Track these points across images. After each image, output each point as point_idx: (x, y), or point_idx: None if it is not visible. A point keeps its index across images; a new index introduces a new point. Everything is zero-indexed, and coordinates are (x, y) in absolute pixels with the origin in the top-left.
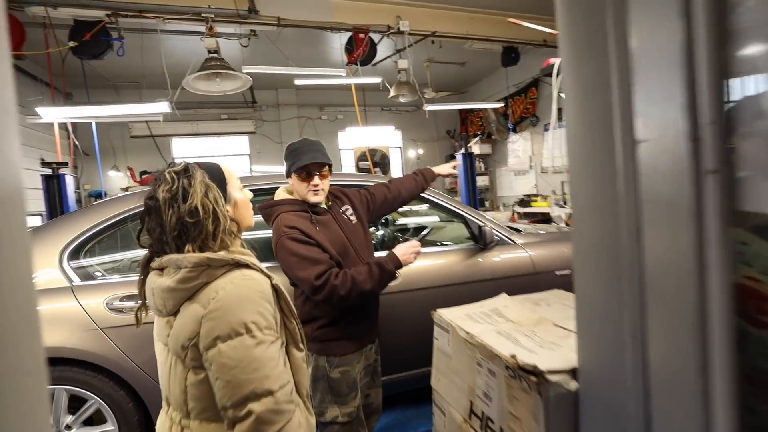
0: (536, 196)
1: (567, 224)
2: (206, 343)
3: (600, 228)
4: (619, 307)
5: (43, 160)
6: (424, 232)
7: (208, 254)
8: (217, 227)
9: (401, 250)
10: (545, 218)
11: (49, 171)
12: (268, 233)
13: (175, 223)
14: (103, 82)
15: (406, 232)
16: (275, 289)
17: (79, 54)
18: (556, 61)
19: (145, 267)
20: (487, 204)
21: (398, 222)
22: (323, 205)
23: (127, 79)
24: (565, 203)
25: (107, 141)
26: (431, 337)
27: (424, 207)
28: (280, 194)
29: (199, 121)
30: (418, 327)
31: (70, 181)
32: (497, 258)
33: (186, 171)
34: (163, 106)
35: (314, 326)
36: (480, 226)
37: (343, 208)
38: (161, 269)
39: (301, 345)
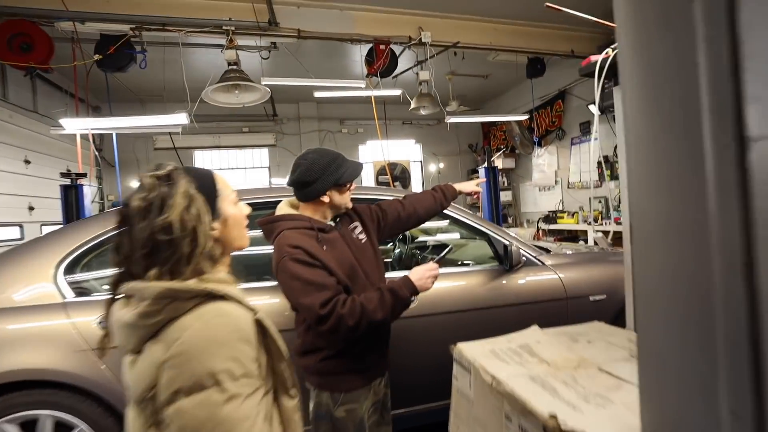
0: (562, 212)
1: (606, 246)
2: (165, 398)
3: (678, 258)
4: (710, 368)
5: (69, 170)
6: (445, 251)
7: (172, 284)
8: (194, 249)
9: (417, 274)
10: (571, 235)
11: (67, 181)
12: (267, 249)
13: (145, 238)
14: (130, 96)
15: (424, 250)
16: (260, 325)
17: (103, 67)
18: (598, 58)
19: (115, 287)
20: (510, 220)
21: (417, 239)
22: (330, 222)
23: (152, 93)
24: (595, 220)
25: (131, 153)
26: (450, 366)
27: (445, 223)
28: (283, 209)
29: (221, 133)
30: (434, 356)
31: (88, 191)
32: (524, 280)
33: (168, 177)
34: (181, 118)
35: (317, 357)
36: (505, 246)
37: (352, 226)
38: (129, 296)
39: (292, 392)
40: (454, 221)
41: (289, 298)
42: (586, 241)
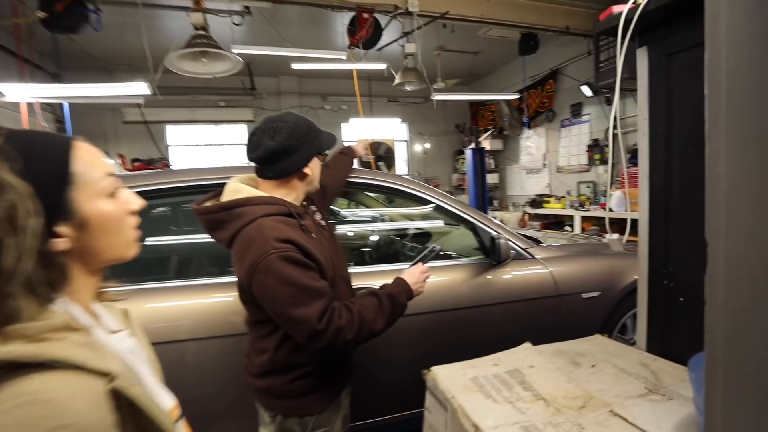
0: (549, 196)
1: (620, 248)
2: None
3: None
4: None
5: None
6: (432, 251)
7: None
8: None
9: (413, 277)
10: (557, 220)
11: None
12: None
13: None
14: (95, 64)
15: (404, 238)
16: (121, 397)
17: (51, 27)
18: (623, 9)
19: None
20: (496, 203)
21: (396, 225)
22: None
23: (119, 61)
24: (582, 205)
25: (99, 127)
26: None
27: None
28: (244, 190)
29: (195, 107)
30: (407, 362)
31: None
32: (512, 276)
33: None
34: (141, 88)
35: (287, 378)
36: (493, 238)
37: (312, 209)
38: None
39: None
40: (438, 208)
41: (272, 307)
42: (572, 227)
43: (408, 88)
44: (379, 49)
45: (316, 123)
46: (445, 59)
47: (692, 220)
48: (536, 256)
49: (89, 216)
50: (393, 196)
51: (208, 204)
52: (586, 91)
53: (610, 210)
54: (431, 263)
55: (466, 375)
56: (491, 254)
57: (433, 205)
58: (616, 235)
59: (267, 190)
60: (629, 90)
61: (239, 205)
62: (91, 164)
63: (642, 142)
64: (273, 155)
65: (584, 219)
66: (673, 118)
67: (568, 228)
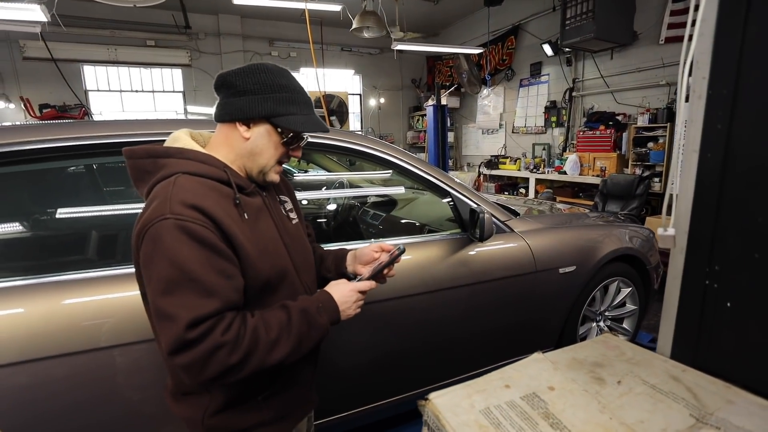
0: (505, 158)
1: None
2: None
3: None
4: None
5: None
6: (396, 247)
7: None
8: None
9: (344, 296)
10: (511, 182)
11: None
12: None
13: None
14: None
15: (366, 206)
16: None
17: None
18: None
19: None
20: (450, 162)
21: (357, 192)
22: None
23: None
24: (536, 168)
25: None
26: (391, 363)
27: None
28: (181, 139)
29: (117, 45)
30: (376, 353)
31: None
32: (490, 253)
33: None
34: (34, 13)
35: (204, 405)
36: (475, 212)
37: (281, 198)
38: None
39: None
40: (405, 172)
41: (146, 288)
42: (526, 189)
43: (366, 35)
44: None
45: None
46: (405, 6)
47: (758, 212)
48: (515, 230)
49: None
50: (356, 159)
51: (137, 147)
52: (548, 50)
53: (562, 173)
54: (404, 239)
55: (475, 406)
56: (470, 229)
57: (404, 170)
58: (671, 230)
59: (212, 147)
60: (591, 51)
61: (167, 155)
62: None
63: (696, 108)
64: (221, 84)
65: (538, 181)
66: (746, 78)
67: (522, 191)
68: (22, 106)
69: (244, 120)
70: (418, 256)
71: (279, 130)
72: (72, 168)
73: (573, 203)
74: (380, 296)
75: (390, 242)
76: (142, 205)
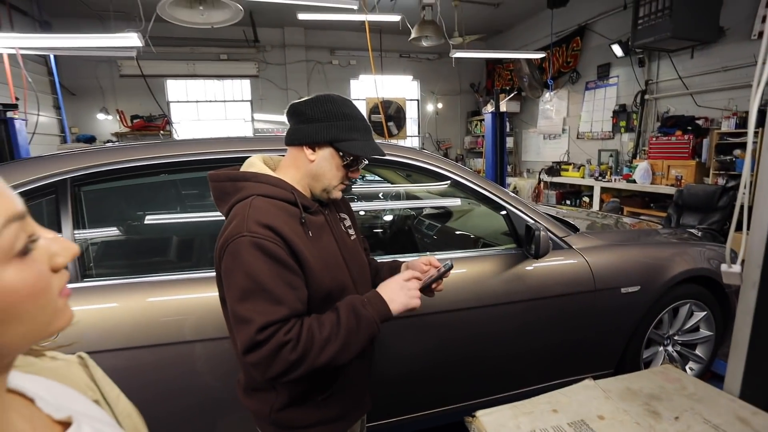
0: (568, 164)
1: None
2: None
3: None
4: None
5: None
6: (446, 263)
7: None
8: None
9: (390, 290)
10: (575, 190)
11: None
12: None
13: None
14: (85, 11)
15: (421, 216)
16: None
17: None
18: None
19: None
20: (509, 169)
21: (412, 204)
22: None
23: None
24: (601, 175)
25: (94, 79)
26: (440, 374)
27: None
28: (256, 164)
29: (195, 60)
30: (426, 364)
31: (20, 126)
32: (546, 269)
33: None
34: (131, 40)
35: (276, 402)
36: (531, 229)
37: (341, 215)
38: None
39: None
40: (459, 186)
41: (225, 294)
42: (590, 198)
43: (424, 43)
44: None
45: (323, 79)
46: (464, 11)
47: None
48: (573, 246)
49: None
50: (412, 173)
51: (220, 171)
52: (617, 50)
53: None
54: (455, 254)
55: (521, 427)
56: (525, 245)
57: (458, 184)
58: (737, 267)
59: (282, 170)
60: (667, 50)
61: (244, 179)
62: None
63: None
64: (292, 113)
65: (604, 190)
66: None
67: (585, 199)
68: (118, 117)
69: (311, 144)
70: (473, 270)
71: (341, 153)
72: (160, 181)
73: (642, 214)
74: (433, 308)
75: (441, 256)
76: (216, 214)
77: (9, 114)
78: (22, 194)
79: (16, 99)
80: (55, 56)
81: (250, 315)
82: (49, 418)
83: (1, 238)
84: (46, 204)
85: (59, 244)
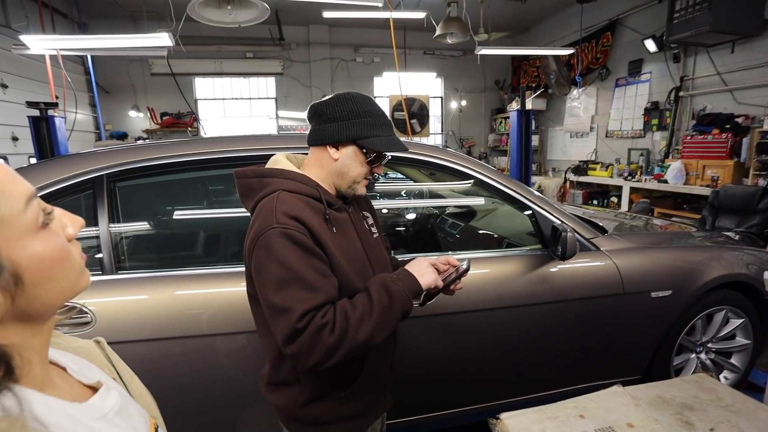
0: (595, 163)
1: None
2: None
3: None
4: None
5: (57, 98)
6: (462, 264)
7: None
8: None
9: (419, 266)
10: (602, 190)
11: (36, 111)
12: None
13: None
14: (119, 11)
15: (444, 214)
16: None
17: None
18: None
19: None
20: (534, 167)
21: (435, 202)
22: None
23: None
24: (630, 175)
25: (126, 78)
26: (462, 374)
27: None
28: (281, 161)
29: (222, 59)
30: (448, 363)
31: (60, 123)
32: (573, 271)
33: None
34: (163, 39)
35: (300, 397)
36: (558, 230)
37: (364, 214)
38: None
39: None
40: (483, 185)
41: (260, 290)
42: (618, 198)
43: (449, 40)
44: None
45: (347, 76)
46: (490, 7)
47: None
48: (601, 248)
49: (20, 267)
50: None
51: (246, 168)
52: (650, 45)
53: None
54: (478, 254)
55: (547, 431)
56: (551, 246)
57: (483, 183)
58: None
59: (306, 167)
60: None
61: (270, 175)
62: (4, 193)
63: None
64: (313, 114)
65: (633, 190)
66: None
67: (614, 200)
68: (148, 114)
69: (334, 143)
70: (497, 270)
71: (364, 150)
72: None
73: (674, 216)
74: (456, 308)
75: (459, 256)
76: (241, 210)
77: (50, 112)
78: (64, 189)
79: (56, 98)
80: (91, 56)
81: (288, 304)
82: (79, 383)
83: (28, 213)
84: (84, 199)
85: (68, 217)
